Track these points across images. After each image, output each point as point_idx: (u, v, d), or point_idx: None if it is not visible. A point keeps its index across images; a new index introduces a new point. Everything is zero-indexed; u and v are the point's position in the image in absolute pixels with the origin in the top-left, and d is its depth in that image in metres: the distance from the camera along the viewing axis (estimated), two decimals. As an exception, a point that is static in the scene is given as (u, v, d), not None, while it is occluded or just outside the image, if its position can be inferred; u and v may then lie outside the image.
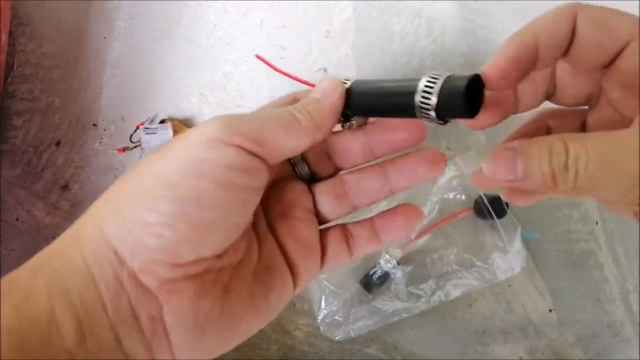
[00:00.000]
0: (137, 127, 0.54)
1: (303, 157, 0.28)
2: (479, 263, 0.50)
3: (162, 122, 0.55)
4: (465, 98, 0.21)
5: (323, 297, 0.50)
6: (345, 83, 0.25)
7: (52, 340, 0.19)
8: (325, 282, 0.50)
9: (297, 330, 0.51)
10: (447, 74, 0.22)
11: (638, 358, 0.51)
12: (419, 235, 0.50)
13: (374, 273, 0.49)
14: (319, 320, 0.50)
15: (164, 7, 0.59)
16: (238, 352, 0.51)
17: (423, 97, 0.22)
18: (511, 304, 0.51)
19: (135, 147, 0.55)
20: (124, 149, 0.55)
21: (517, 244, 0.49)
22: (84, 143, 0.56)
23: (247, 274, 0.24)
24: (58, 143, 0.56)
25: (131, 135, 0.55)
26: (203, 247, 0.21)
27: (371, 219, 0.28)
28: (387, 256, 0.49)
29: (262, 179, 0.22)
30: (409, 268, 0.50)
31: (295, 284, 0.26)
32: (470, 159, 0.52)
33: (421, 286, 0.49)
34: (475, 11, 0.58)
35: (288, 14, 0.58)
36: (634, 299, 0.52)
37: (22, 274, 0.20)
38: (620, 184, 0.19)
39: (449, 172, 0.51)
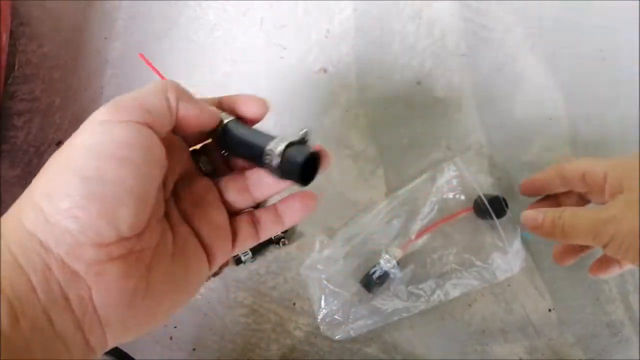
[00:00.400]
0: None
1: (207, 154, 0.31)
2: (478, 263, 0.50)
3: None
4: (301, 170, 0.27)
5: (323, 297, 0.50)
6: (225, 121, 0.29)
7: None
8: (325, 282, 0.50)
9: (297, 330, 0.51)
10: (291, 140, 0.27)
11: (638, 358, 0.51)
12: (419, 235, 0.50)
13: (374, 273, 0.49)
14: (319, 320, 0.50)
15: (164, 7, 0.59)
16: (237, 351, 0.51)
17: (266, 158, 0.27)
18: (511, 303, 0.52)
19: (136, 147, 0.55)
20: (125, 149, 0.55)
21: (517, 244, 0.49)
22: (85, 143, 0.56)
23: (166, 256, 0.27)
24: (59, 143, 0.56)
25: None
26: (118, 222, 0.23)
27: (274, 205, 0.32)
28: (387, 256, 0.49)
29: (156, 151, 0.25)
30: (409, 268, 0.50)
31: (210, 263, 0.29)
32: (470, 158, 0.52)
33: (421, 286, 0.50)
34: (475, 11, 0.58)
35: (288, 13, 0.58)
36: (634, 299, 0.52)
37: None
38: (583, 232, 0.36)
39: (449, 172, 0.51)
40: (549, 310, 0.52)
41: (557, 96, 0.56)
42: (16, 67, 0.57)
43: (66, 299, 0.22)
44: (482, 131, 0.55)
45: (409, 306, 0.49)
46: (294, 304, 0.52)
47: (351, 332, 0.49)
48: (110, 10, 0.59)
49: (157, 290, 0.25)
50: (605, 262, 0.43)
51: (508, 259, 0.49)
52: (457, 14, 0.57)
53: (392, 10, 0.58)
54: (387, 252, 0.49)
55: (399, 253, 0.49)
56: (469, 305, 0.52)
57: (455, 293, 0.49)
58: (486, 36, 0.57)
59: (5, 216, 0.24)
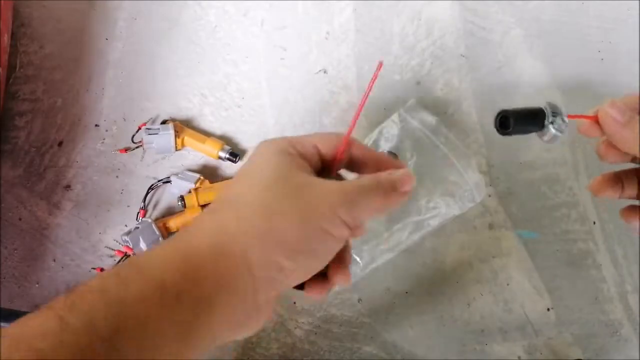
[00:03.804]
0: (139, 128, 0.55)
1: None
2: (442, 197, 0.50)
3: (163, 122, 0.55)
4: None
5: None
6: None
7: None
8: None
9: (297, 328, 0.51)
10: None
11: (638, 358, 0.51)
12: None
13: None
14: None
15: (164, 7, 0.59)
16: (238, 350, 0.51)
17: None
18: (509, 303, 0.52)
19: (137, 147, 0.55)
20: (126, 150, 0.55)
21: (475, 177, 0.49)
22: (86, 143, 0.56)
23: None
24: (60, 143, 0.56)
25: (133, 136, 0.55)
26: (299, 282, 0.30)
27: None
28: None
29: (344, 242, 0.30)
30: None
31: None
32: (413, 106, 0.52)
33: (396, 226, 0.50)
34: (474, 12, 0.58)
35: (288, 14, 0.59)
36: (633, 299, 0.52)
37: (170, 277, 0.24)
38: None
39: (395, 123, 0.53)
40: (548, 309, 0.52)
41: (556, 96, 0.56)
42: (17, 68, 0.57)
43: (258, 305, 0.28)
44: (480, 131, 0.55)
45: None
46: (295, 302, 0.52)
47: (336, 287, 0.49)
48: (111, 11, 0.59)
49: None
50: None
51: (469, 189, 0.49)
52: (456, 15, 0.58)
53: (392, 11, 0.58)
54: None
55: None
56: (468, 305, 0.52)
57: (434, 223, 0.50)
58: (485, 37, 0.57)
59: (232, 237, 0.27)
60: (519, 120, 0.33)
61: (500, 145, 0.55)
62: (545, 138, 0.34)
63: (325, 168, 0.32)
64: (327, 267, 0.31)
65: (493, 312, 0.52)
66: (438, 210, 0.49)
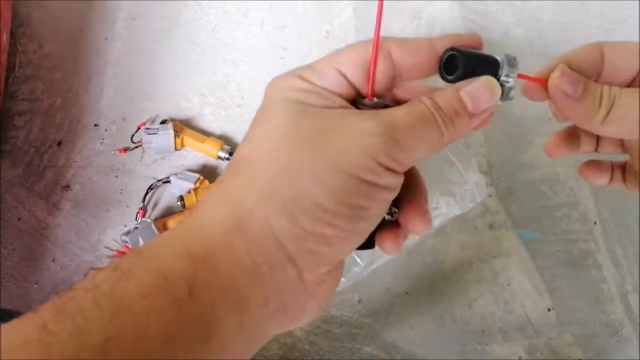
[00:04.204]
0: (139, 128, 0.55)
1: None
2: (444, 197, 0.50)
3: (163, 122, 0.55)
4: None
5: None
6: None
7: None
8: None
9: (297, 329, 0.51)
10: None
11: (638, 358, 0.51)
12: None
13: None
14: None
15: (164, 7, 0.59)
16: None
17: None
18: (510, 303, 0.52)
19: (137, 147, 0.55)
20: (126, 149, 0.55)
21: (475, 176, 0.49)
22: (86, 143, 0.56)
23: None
24: (59, 143, 0.56)
25: (132, 136, 0.55)
26: (356, 247, 0.24)
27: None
28: None
29: (398, 189, 0.24)
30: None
31: None
32: None
33: None
34: (474, 11, 0.58)
35: (288, 14, 0.59)
36: (633, 299, 0.52)
37: (181, 266, 0.20)
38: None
39: None
40: (548, 309, 0.52)
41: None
42: (17, 68, 0.57)
43: (286, 306, 0.22)
44: (481, 131, 0.55)
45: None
46: (294, 303, 0.52)
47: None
48: (110, 11, 0.59)
49: (336, 288, 0.26)
50: (604, 166, 0.32)
51: (471, 189, 0.49)
52: (456, 14, 0.58)
53: (392, 10, 0.58)
54: None
55: None
56: (469, 305, 0.52)
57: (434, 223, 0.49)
58: (485, 37, 0.57)
59: (238, 204, 0.22)
60: (469, 65, 0.24)
61: (501, 145, 0.55)
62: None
63: (362, 97, 0.24)
64: (397, 209, 0.26)
65: (493, 313, 0.52)
66: (439, 210, 0.49)
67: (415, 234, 0.27)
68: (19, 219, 0.54)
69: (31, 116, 0.56)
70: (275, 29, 0.58)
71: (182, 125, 0.55)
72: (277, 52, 0.58)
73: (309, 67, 0.25)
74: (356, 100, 0.24)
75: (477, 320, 0.52)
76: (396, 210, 0.26)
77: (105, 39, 0.58)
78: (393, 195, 0.23)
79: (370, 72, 0.23)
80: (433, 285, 0.52)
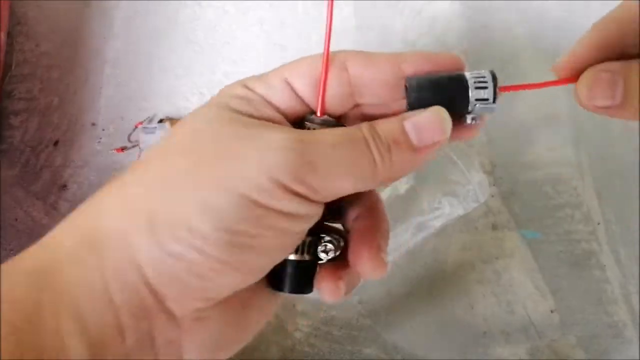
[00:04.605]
0: (136, 127, 0.54)
1: None
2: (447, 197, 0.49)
3: (160, 121, 0.55)
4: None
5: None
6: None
7: None
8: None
9: (296, 331, 0.51)
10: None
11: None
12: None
13: None
14: None
15: (162, 6, 0.59)
16: (237, 353, 0.50)
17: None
18: (512, 304, 0.51)
19: (134, 146, 0.55)
20: (123, 149, 0.55)
21: (478, 176, 0.48)
22: (83, 143, 0.55)
23: (264, 292, 0.23)
24: (56, 143, 0.55)
25: (129, 135, 0.54)
26: (244, 285, 0.20)
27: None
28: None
29: (313, 220, 0.20)
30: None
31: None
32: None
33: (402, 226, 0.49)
34: (475, 10, 0.57)
35: (288, 14, 0.58)
36: (636, 301, 0.52)
37: (21, 285, 0.18)
38: None
39: None
40: (551, 311, 0.51)
41: (559, 95, 0.55)
42: (13, 66, 0.57)
43: (152, 341, 0.19)
44: (483, 130, 0.55)
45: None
46: (294, 305, 0.51)
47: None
48: (108, 10, 0.59)
49: (250, 324, 0.22)
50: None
51: (473, 189, 0.48)
52: (457, 12, 0.57)
53: (393, 9, 0.58)
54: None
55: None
56: (471, 307, 0.51)
57: (436, 224, 0.48)
58: (487, 35, 0.57)
59: (103, 215, 0.19)
60: (422, 98, 0.21)
61: (503, 144, 0.54)
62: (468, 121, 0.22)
63: (312, 113, 0.22)
64: (346, 249, 0.22)
65: (495, 314, 0.51)
66: (442, 210, 0.49)
67: (365, 278, 0.22)
68: (16, 220, 0.53)
69: (28, 115, 0.56)
70: (275, 28, 0.58)
71: (181, 125, 0.55)
72: (277, 52, 0.57)
73: (259, 76, 0.22)
74: (305, 117, 0.22)
75: (478, 322, 0.51)
76: (334, 247, 0.22)
77: (103, 38, 0.58)
78: (301, 226, 0.19)
79: (320, 86, 0.21)
80: (434, 286, 0.52)
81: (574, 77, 0.21)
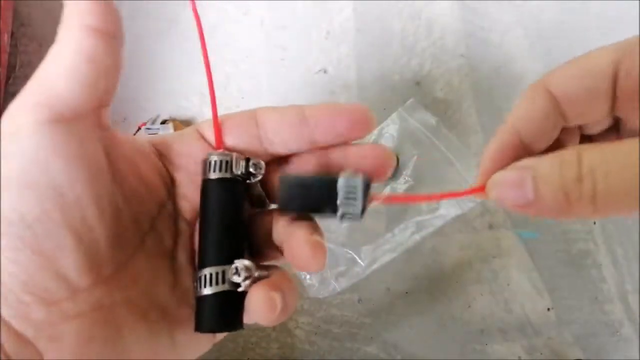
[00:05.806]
0: (139, 127, 0.55)
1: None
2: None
3: (163, 122, 0.55)
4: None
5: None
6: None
7: None
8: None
9: (297, 328, 0.51)
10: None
11: (638, 358, 0.51)
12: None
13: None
14: (305, 285, 0.50)
15: (164, 7, 0.59)
16: (238, 351, 0.51)
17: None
18: (509, 303, 0.52)
19: (137, 147, 0.55)
20: (125, 149, 0.55)
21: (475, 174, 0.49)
22: (86, 143, 0.56)
23: (152, 308, 0.21)
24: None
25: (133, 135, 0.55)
26: (63, 270, 0.18)
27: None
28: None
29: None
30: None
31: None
32: (413, 105, 0.50)
33: (400, 226, 0.50)
34: (474, 12, 0.58)
35: (288, 14, 0.59)
36: (633, 299, 0.52)
37: None
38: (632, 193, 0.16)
39: (394, 124, 0.52)
40: (548, 309, 0.52)
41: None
42: (17, 68, 0.57)
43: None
44: (481, 131, 0.55)
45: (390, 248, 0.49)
46: (294, 303, 0.52)
47: (337, 288, 0.49)
48: (111, 11, 0.59)
49: (128, 354, 0.19)
50: None
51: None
52: (456, 14, 0.58)
53: (392, 10, 0.58)
54: None
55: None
56: (468, 305, 0.52)
57: (437, 223, 0.49)
58: (485, 37, 0.57)
59: None
60: (292, 200, 0.21)
61: (501, 145, 0.55)
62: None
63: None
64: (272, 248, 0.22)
65: (493, 312, 0.52)
66: (439, 210, 0.49)
67: (303, 266, 0.21)
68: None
69: (31, 116, 0.56)
70: (275, 28, 0.58)
71: (183, 125, 0.55)
72: (277, 52, 0.58)
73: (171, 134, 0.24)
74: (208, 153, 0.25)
75: (476, 320, 0.52)
76: (246, 266, 0.21)
77: (106, 39, 0.58)
78: None
79: (214, 129, 0.24)
80: (433, 285, 0.52)
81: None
